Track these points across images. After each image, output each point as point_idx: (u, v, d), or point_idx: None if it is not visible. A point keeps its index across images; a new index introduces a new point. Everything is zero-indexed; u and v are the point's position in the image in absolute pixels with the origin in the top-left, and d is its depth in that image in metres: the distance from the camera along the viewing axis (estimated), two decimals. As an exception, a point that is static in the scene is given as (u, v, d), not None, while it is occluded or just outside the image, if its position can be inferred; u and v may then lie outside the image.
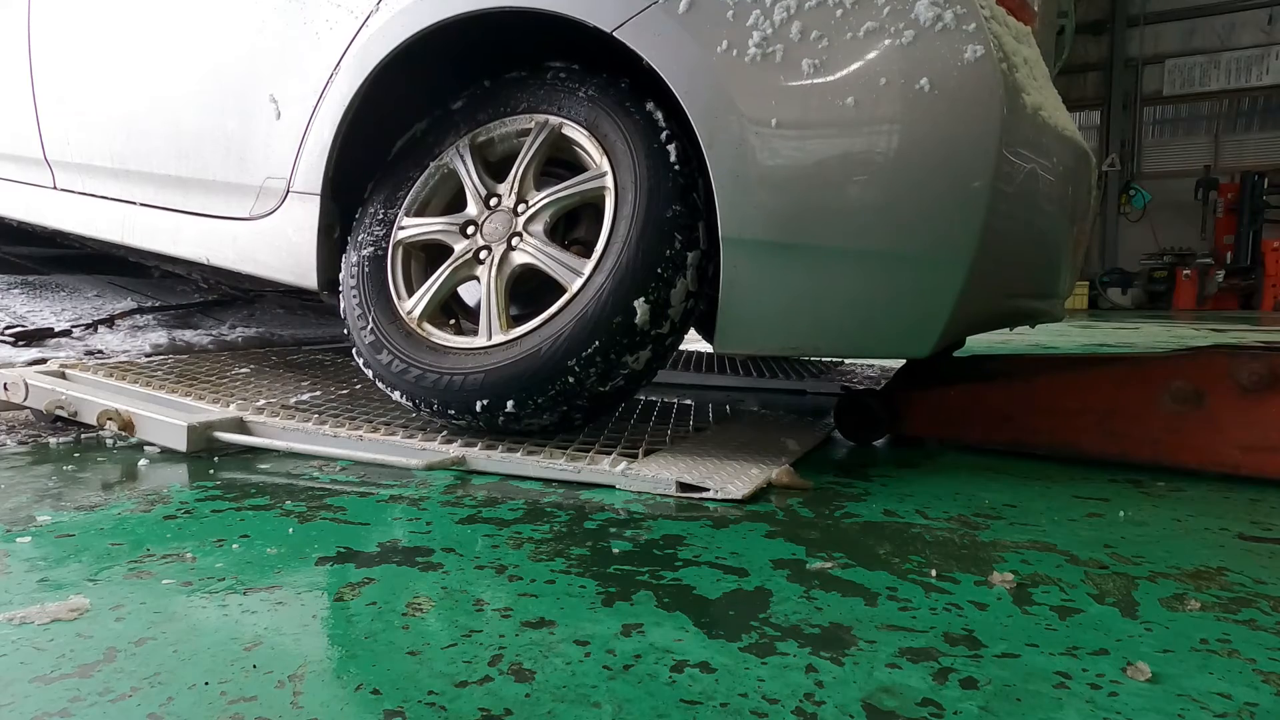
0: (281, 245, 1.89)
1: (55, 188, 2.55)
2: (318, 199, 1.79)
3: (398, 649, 0.80)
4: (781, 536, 1.16)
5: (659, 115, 1.51)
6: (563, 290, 1.50)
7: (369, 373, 1.65)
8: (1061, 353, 3.87)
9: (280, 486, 1.40)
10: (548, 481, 1.45)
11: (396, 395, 1.60)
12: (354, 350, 1.70)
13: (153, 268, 3.34)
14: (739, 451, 1.60)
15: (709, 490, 1.35)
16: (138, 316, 2.81)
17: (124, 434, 1.66)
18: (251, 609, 0.89)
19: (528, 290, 1.74)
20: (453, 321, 1.74)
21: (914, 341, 1.41)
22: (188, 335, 2.68)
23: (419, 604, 0.91)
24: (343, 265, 1.77)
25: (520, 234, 1.60)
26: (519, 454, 1.50)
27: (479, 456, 1.51)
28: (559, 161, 1.74)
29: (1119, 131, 14.07)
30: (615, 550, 1.09)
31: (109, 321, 2.69)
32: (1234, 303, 12.38)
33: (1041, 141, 1.43)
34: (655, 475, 1.39)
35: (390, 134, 1.84)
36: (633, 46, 1.43)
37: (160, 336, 2.61)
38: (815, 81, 1.32)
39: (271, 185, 1.89)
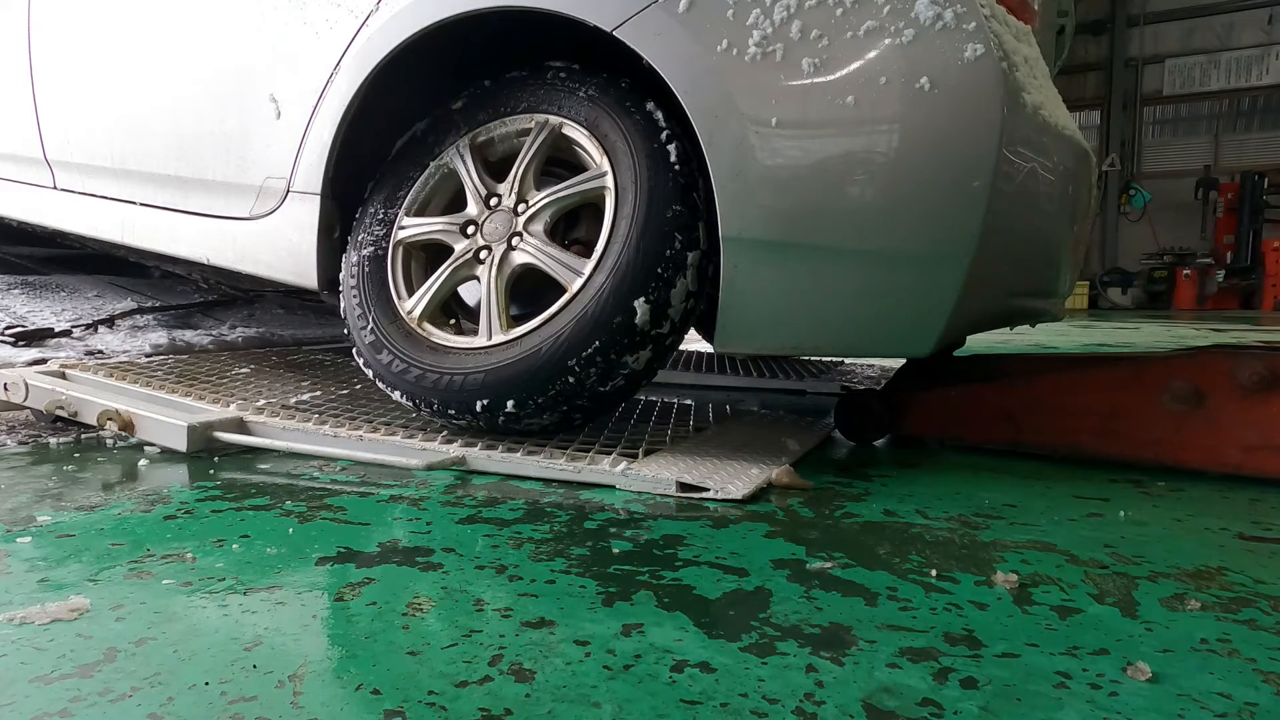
0: (281, 245, 1.89)
1: (55, 188, 2.55)
2: (318, 199, 1.79)
3: (398, 649, 0.80)
4: (781, 536, 1.16)
5: (659, 115, 1.51)
6: (563, 290, 1.50)
7: (369, 373, 1.65)
8: (1062, 353, 3.87)
9: (280, 486, 1.40)
10: (548, 481, 1.45)
11: (397, 395, 1.60)
12: (354, 350, 1.70)
13: (153, 268, 3.34)
14: (739, 451, 1.60)
15: (709, 490, 1.35)
16: (138, 316, 2.81)
17: (124, 434, 1.66)
18: (251, 609, 0.89)
19: (528, 290, 1.74)
20: (453, 321, 1.74)
21: (914, 341, 1.41)
22: (188, 335, 2.68)
23: (419, 604, 0.91)
24: (343, 265, 1.77)
25: (520, 234, 1.60)
26: (519, 454, 1.50)
27: (479, 456, 1.51)
28: (559, 161, 1.74)
29: (1119, 131, 14.06)
30: (615, 550, 1.09)
31: (109, 321, 2.69)
32: (1234, 303, 12.37)
33: (1042, 140, 1.42)
34: (655, 475, 1.39)
35: (390, 134, 1.84)
36: (632, 46, 1.42)
37: (160, 336, 2.61)
38: (815, 81, 1.32)
39: (271, 185, 1.89)
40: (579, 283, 1.48)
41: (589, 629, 0.85)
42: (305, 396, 1.91)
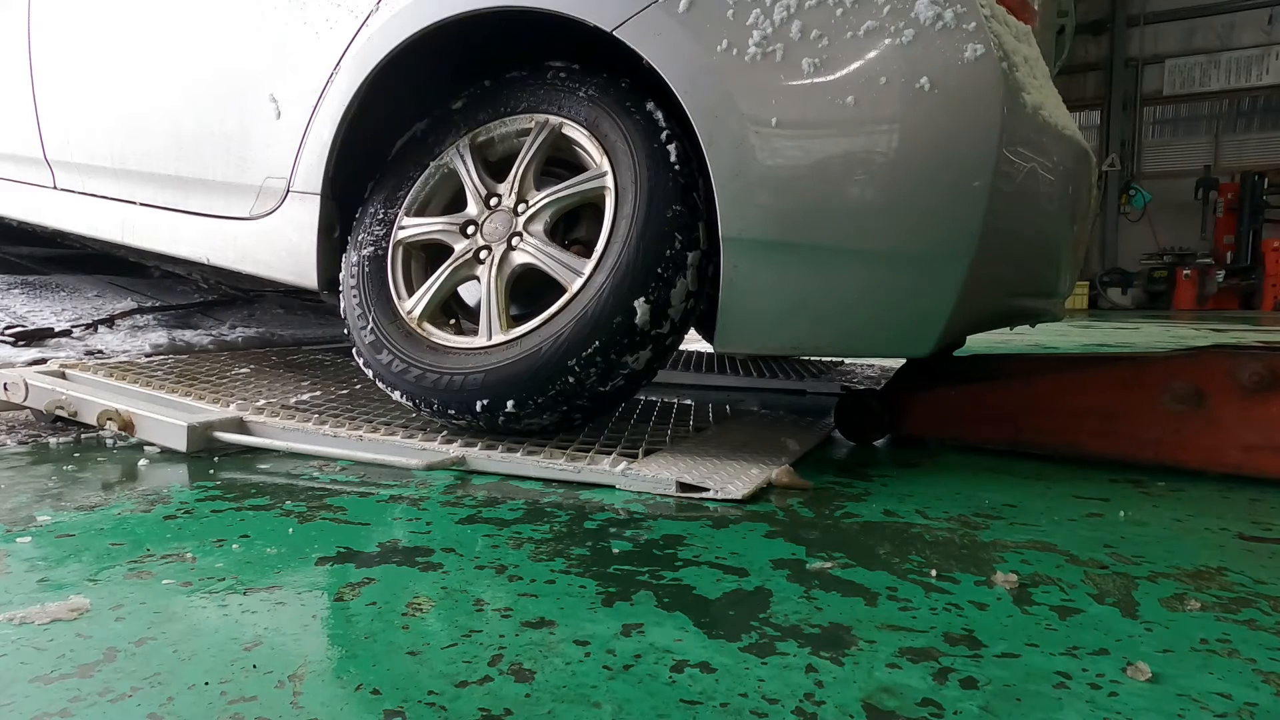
0: (281, 245, 1.89)
1: (55, 187, 2.55)
2: (318, 198, 1.79)
3: (398, 649, 0.80)
4: (781, 536, 1.16)
5: (659, 115, 1.51)
6: (563, 290, 1.50)
7: (369, 373, 1.65)
8: (1062, 353, 3.87)
9: (280, 486, 1.40)
10: (548, 481, 1.45)
11: (397, 395, 1.60)
12: (354, 350, 1.70)
13: (153, 268, 3.34)
14: (739, 451, 1.60)
15: (709, 490, 1.35)
16: (138, 316, 2.81)
17: (124, 434, 1.66)
18: (251, 609, 0.89)
19: (528, 290, 1.74)
20: (453, 321, 1.74)
21: (914, 341, 1.41)
22: (188, 335, 2.68)
23: (419, 604, 0.91)
24: (343, 265, 1.77)
25: (520, 234, 1.60)
26: (519, 454, 1.50)
27: (479, 456, 1.51)
28: (559, 161, 1.74)
29: (1119, 131, 14.06)
30: (615, 550, 1.09)
31: (109, 321, 2.69)
32: (1234, 303, 12.37)
33: (1042, 141, 1.42)
34: (655, 475, 1.39)
35: (390, 134, 1.84)
36: (632, 46, 1.42)
37: (160, 336, 2.61)
38: (815, 81, 1.32)
39: (271, 185, 1.89)
40: (579, 283, 1.48)
41: (589, 629, 0.85)
42: (305, 396, 1.91)
